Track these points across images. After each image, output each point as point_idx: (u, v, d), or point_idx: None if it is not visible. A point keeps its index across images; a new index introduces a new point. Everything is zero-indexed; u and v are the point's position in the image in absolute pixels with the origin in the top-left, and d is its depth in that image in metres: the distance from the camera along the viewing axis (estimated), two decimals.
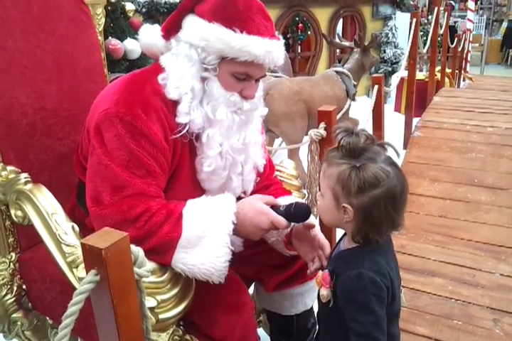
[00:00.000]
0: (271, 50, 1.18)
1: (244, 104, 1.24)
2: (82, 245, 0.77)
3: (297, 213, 1.21)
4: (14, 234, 1.49)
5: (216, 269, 1.12)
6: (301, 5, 6.28)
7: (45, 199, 1.34)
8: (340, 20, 7.18)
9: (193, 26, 1.19)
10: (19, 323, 1.54)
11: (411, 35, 4.09)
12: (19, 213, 1.38)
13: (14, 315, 1.52)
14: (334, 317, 1.10)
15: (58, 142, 1.59)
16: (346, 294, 1.04)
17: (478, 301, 2.15)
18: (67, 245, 1.20)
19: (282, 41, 1.25)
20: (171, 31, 1.23)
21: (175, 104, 1.19)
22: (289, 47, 6.60)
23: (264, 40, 1.17)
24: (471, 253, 2.57)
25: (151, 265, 1.04)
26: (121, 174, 1.13)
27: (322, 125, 1.80)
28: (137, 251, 0.82)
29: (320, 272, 1.14)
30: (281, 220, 1.19)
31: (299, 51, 6.93)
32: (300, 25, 6.28)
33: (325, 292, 1.08)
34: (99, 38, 1.81)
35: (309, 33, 6.46)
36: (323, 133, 1.78)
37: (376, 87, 2.63)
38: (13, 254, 1.50)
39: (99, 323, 0.84)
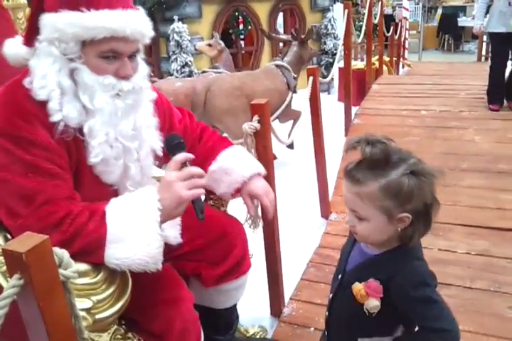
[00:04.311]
0: (127, 20, 1.16)
1: (123, 83, 1.20)
2: (3, 251, 0.78)
3: (173, 145, 1.26)
4: None
5: (150, 257, 1.12)
6: (240, 0, 6.32)
7: None
8: (281, 14, 7.28)
9: (46, 22, 1.17)
10: None
11: (344, 26, 4.21)
12: None
13: None
14: (369, 325, 1.11)
15: None
16: (407, 294, 1.03)
17: None
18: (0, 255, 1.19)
19: (141, 11, 1.24)
20: (31, 36, 1.21)
21: (47, 104, 1.17)
22: (232, 43, 6.64)
23: (116, 11, 1.16)
24: None
25: (80, 266, 1.06)
26: (27, 183, 1.12)
27: (256, 118, 1.84)
28: (61, 252, 0.84)
29: (357, 287, 1.09)
30: (173, 159, 1.21)
31: (243, 46, 6.98)
32: (240, 20, 6.32)
33: (376, 302, 1.05)
34: None
35: (250, 27, 6.52)
36: (257, 126, 1.82)
37: (311, 78, 2.71)
38: None
39: (28, 327, 0.86)
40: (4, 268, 1.18)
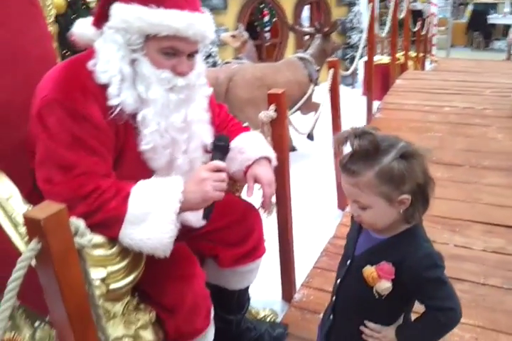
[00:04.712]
0: (192, 22, 1.22)
1: (179, 80, 1.27)
2: (24, 217, 0.84)
3: (216, 145, 1.32)
4: None
5: (161, 244, 1.17)
6: None
7: (1, 184, 1.39)
8: (308, 7, 7.25)
9: (116, 12, 1.24)
10: None
11: (368, 20, 4.19)
12: None
13: None
14: (376, 309, 1.15)
15: (15, 130, 1.63)
16: (418, 275, 1.07)
17: None
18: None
19: (207, 14, 1.30)
20: (100, 20, 1.28)
21: (107, 87, 1.23)
22: (257, 35, 6.65)
23: (183, 12, 1.22)
24: (427, 226, 2.67)
25: (97, 238, 1.12)
26: (69, 155, 1.18)
27: (272, 107, 1.87)
28: (78, 222, 0.88)
29: (369, 270, 1.12)
30: (213, 163, 1.28)
31: (268, 38, 6.98)
32: (265, 12, 6.33)
33: (388, 284, 1.08)
34: (51, 28, 1.84)
35: (274, 20, 6.52)
36: (273, 114, 1.86)
37: (332, 70, 2.72)
38: None
39: (45, 292, 0.91)
40: (27, 238, 1.25)
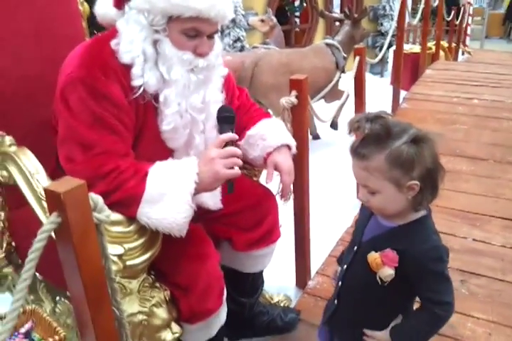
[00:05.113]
0: (213, 3, 1.23)
1: (200, 61, 1.29)
2: (45, 191, 0.87)
3: (222, 117, 1.32)
4: (3, 195, 1.58)
5: (177, 224, 1.19)
6: None
7: (28, 160, 1.42)
8: None
9: None
10: (10, 278, 1.66)
11: (398, 6, 4.10)
12: (5, 173, 1.46)
13: (5, 270, 1.63)
14: (379, 296, 1.16)
15: (42, 108, 1.67)
16: (423, 266, 1.08)
17: (449, 264, 2.26)
18: None
19: None
20: (121, 1, 1.30)
21: (130, 67, 1.25)
22: (286, 20, 6.59)
23: None
24: (447, 219, 2.67)
25: (116, 216, 1.15)
26: (89, 134, 1.21)
27: (294, 93, 1.86)
28: (96, 198, 0.91)
29: (373, 255, 1.13)
30: (220, 137, 1.28)
31: (297, 23, 6.90)
32: None
33: (390, 271, 1.09)
34: (80, 7, 1.86)
35: (305, 5, 6.44)
36: (295, 101, 1.85)
37: (357, 57, 2.68)
38: (2, 213, 1.59)
39: (64, 264, 0.95)
40: None
